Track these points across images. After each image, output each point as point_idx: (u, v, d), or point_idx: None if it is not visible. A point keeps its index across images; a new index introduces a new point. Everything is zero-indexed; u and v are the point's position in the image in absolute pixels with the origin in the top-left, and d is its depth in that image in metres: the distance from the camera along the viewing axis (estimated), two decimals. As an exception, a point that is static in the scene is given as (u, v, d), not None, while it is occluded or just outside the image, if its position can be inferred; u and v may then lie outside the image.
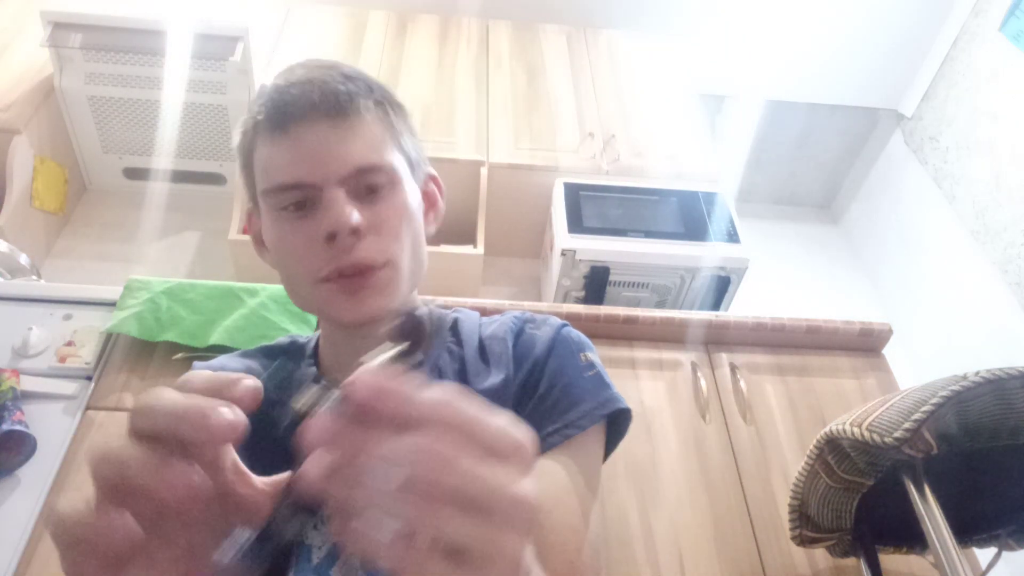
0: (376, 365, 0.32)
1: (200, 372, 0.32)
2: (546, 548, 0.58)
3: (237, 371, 0.72)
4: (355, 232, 0.60)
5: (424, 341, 0.33)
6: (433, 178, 0.76)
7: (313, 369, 0.72)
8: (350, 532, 0.28)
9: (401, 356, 0.32)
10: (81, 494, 0.31)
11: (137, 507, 0.30)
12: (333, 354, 0.72)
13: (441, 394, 0.29)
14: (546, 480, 0.61)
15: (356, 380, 0.28)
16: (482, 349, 0.71)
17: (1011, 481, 0.94)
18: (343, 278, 0.61)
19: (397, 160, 0.65)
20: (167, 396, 0.31)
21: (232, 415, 0.30)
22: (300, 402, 0.32)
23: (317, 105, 0.60)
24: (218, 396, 0.31)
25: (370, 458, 0.27)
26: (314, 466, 0.28)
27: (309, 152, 0.60)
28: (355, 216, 0.59)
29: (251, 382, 0.31)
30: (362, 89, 0.64)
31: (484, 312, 0.79)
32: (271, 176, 0.62)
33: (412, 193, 0.66)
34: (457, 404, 0.29)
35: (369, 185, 0.62)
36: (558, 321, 0.74)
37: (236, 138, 0.67)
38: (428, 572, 0.27)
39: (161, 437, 0.30)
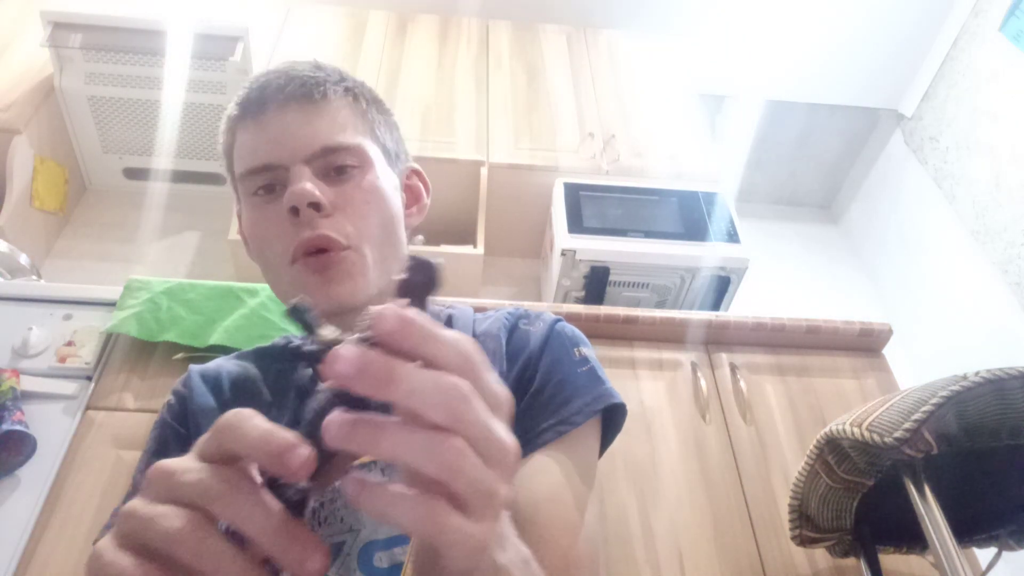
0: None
1: (252, 420, 0.31)
2: (540, 542, 0.58)
3: (233, 374, 0.73)
4: (315, 206, 0.60)
5: (432, 292, 0.33)
6: (417, 172, 0.76)
7: (309, 371, 0.72)
8: (367, 488, 0.28)
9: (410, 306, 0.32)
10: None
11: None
12: None
13: (459, 337, 0.30)
14: (540, 476, 0.61)
15: (384, 310, 0.28)
16: None
17: (1011, 481, 0.94)
18: (308, 256, 0.61)
19: (368, 144, 0.65)
20: (254, 502, 0.30)
21: (325, 558, 0.30)
22: (321, 336, 0.32)
23: (283, 89, 0.62)
24: (274, 461, 0.30)
25: (396, 390, 0.27)
26: (339, 416, 0.28)
27: (275, 134, 0.62)
28: (315, 190, 0.59)
29: (307, 454, 0.30)
30: (332, 77, 0.65)
31: (480, 311, 0.79)
32: (243, 161, 0.64)
33: (386, 179, 0.66)
34: (473, 349, 0.30)
35: (337, 166, 0.63)
36: (552, 317, 0.74)
37: (220, 136, 0.68)
38: (432, 519, 0.28)
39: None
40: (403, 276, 0.32)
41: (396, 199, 0.68)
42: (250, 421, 0.31)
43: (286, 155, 0.61)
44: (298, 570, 0.29)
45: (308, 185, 0.59)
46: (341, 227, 0.61)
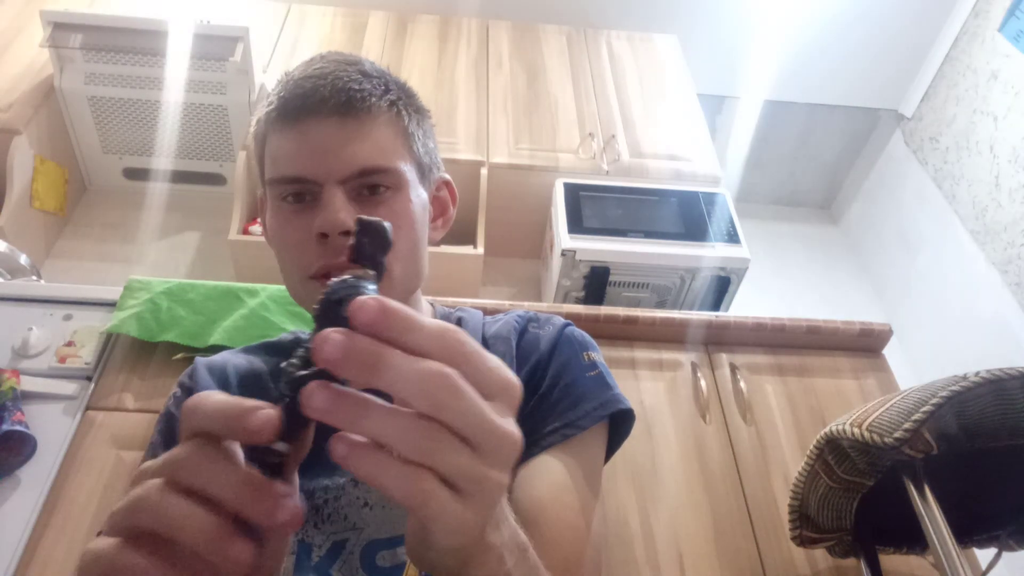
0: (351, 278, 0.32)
1: (212, 397, 0.32)
2: (542, 544, 0.58)
3: (240, 368, 0.73)
4: (347, 234, 0.59)
5: (372, 249, 0.33)
6: (447, 183, 0.75)
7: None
8: (359, 455, 0.28)
9: (366, 273, 0.33)
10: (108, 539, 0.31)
11: (164, 553, 0.30)
12: None
13: (444, 326, 0.30)
14: (544, 477, 0.61)
15: (365, 300, 0.28)
16: (485, 348, 0.71)
17: (1011, 481, 0.94)
18: (331, 278, 0.61)
19: (405, 164, 0.64)
20: (217, 461, 0.30)
21: (295, 507, 0.30)
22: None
23: (327, 101, 0.60)
24: (235, 426, 0.30)
25: (381, 377, 0.28)
26: (322, 387, 0.28)
27: (314, 148, 0.60)
28: (348, 219, 0.59)
29: (270, 412, 0.30)
30: (377, 89, 0.63)
31: (485, 312, 0.79)
32: (276, 166, 0.62)
33: (417, 199, 0.66)
34: (459, 336, 0.30)
35: (371, 187, 0.62)
36: (561, 320, 0.74)
37: (252, 125, 0.68)
38: (418, 490, 0.28)
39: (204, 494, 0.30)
40: (353, 241, 0.32)
41: (424, 219, 0.67)
42: (210, 398, 0.32)
43: (321, 172, 0.60)
44: (267, 520, 0.30)
45: (342, 214, 0.59)
46: None
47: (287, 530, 0.31)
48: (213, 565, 0.29)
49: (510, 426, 0.31)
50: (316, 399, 0.28)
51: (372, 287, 0.32)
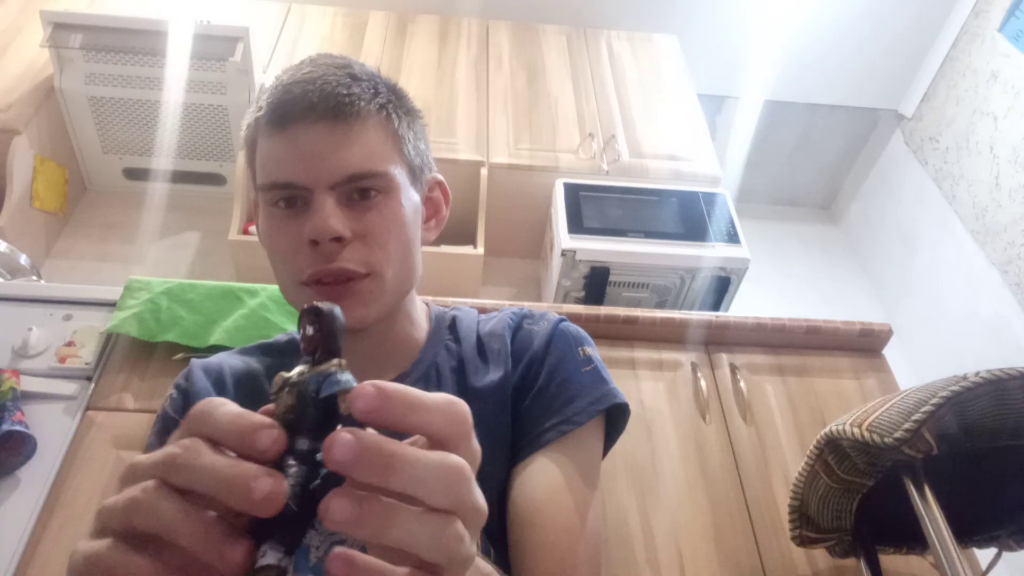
0: (298, 374, 0.30)
1: (225, 406, 0.30)
2: (538, 546, 0.58)
3: (236, 369, 0.73)
4: (337, 240, 0.59)
5: (336, 338, 0.32)
6: (439, 184, 0.75)
7: None
8: (356, 570, 0.26)
9: (321, 362, 0.31)
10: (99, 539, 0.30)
11: (160, 553, 0.29)
12: None
13: (448, 399, 0.29)
14: (539, 478, 0.61)
15: (360, 388, 0.27)
16: (480, 346, 0.72)
17: (1011, 481, 0.94)
18: (323, 284, 0.61)
19: (395, 168, 0.64)
20: (206, 456, 0.28)
21: (273, 486, 0.27)
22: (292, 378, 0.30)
23: (315, 106, 0.60)
24: (242, 442, 0.29)
25: (399, 478, 0.26)
26: (345, 496, 0.26)
27: (303, 153, 0.60)
28: (338, 225, 0.59)
29: (277, 433, 0.28)
30: (367, 92, 0.63)
31: (483, 312, 0.80)
32: (267, 172, 0.62)
33: (409, 202, 0.65)
34: (464, 409, 0.29)
35: (362, 191, 0.62)
36: (556, 316, 0.74)
37: (243, 129, 0.67)
38: None
39: (197, 493, 0.28)
40: (307, 332, 0.31)
41: (416, 221, 0.67)
42: (221, 407, 0.30)
43: (311, 178, 0.60)
44: (249, 505, 0.27)
45: (332, 220, 0.59)
46: (360, 256, 0.61)
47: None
48: (210, 566, 0.28)
49: (483, 499, 0.29)
50: (338, 511, 0.26)
51: (346, 376, 0.30)
